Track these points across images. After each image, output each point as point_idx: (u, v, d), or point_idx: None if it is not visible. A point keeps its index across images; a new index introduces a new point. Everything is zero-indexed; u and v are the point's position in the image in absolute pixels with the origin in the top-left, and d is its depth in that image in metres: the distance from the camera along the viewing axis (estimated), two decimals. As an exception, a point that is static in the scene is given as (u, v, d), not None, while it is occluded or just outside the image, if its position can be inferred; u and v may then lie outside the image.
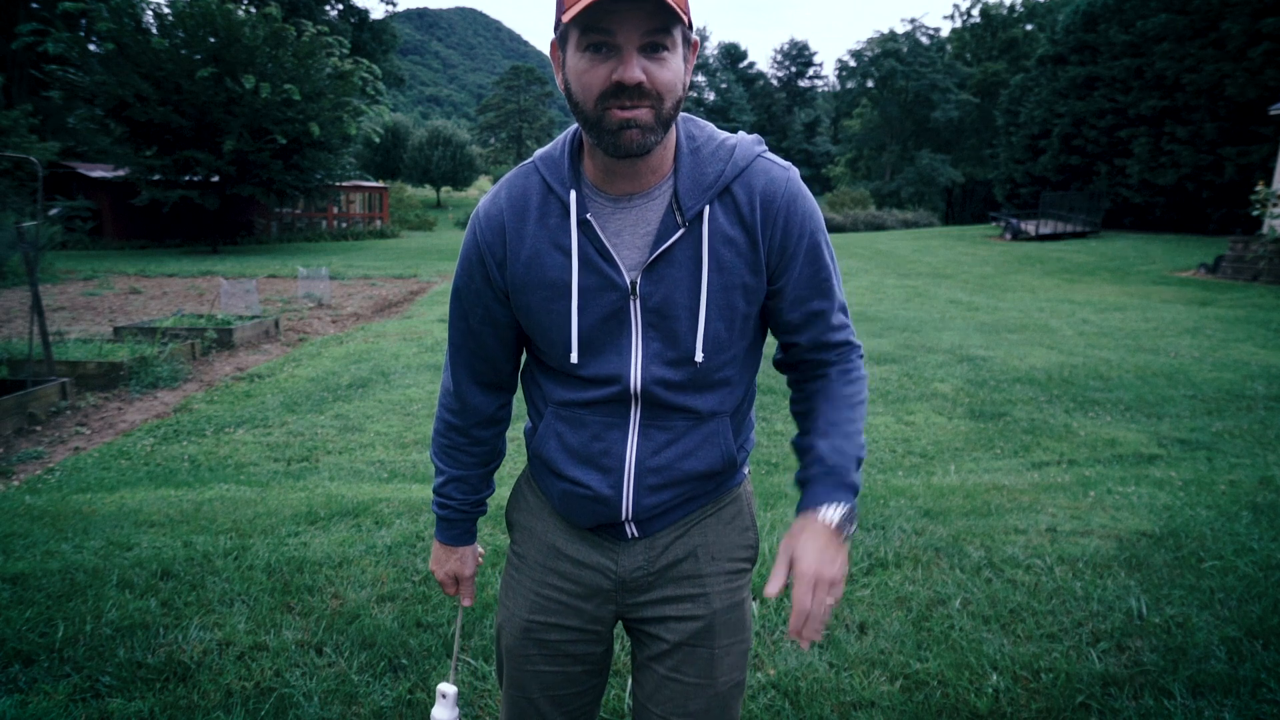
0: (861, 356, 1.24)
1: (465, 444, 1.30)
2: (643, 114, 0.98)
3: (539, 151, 1.15)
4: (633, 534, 1.21)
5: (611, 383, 1.12)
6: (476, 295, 1.18)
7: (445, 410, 1.30)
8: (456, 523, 1.33)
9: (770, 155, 1.13)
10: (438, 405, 1.32)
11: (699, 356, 1.11)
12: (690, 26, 1.02)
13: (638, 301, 1.10)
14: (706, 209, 1.08)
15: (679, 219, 1.07)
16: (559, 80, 1.05)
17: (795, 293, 1.14)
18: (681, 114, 1.12)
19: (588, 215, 1.08)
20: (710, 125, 1.15)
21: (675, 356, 1.11)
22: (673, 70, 0.99)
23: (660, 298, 1.09)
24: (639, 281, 1.09)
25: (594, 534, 1.23)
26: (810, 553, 1.04)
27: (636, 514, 1.18)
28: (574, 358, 1.11)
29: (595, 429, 1.16)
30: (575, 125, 1.13)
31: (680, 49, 1.01)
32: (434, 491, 1.33)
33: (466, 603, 1.41)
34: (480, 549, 1.41)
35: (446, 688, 1.36)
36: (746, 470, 1.33)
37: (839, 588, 1.03)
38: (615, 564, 1.22)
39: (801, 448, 1.17)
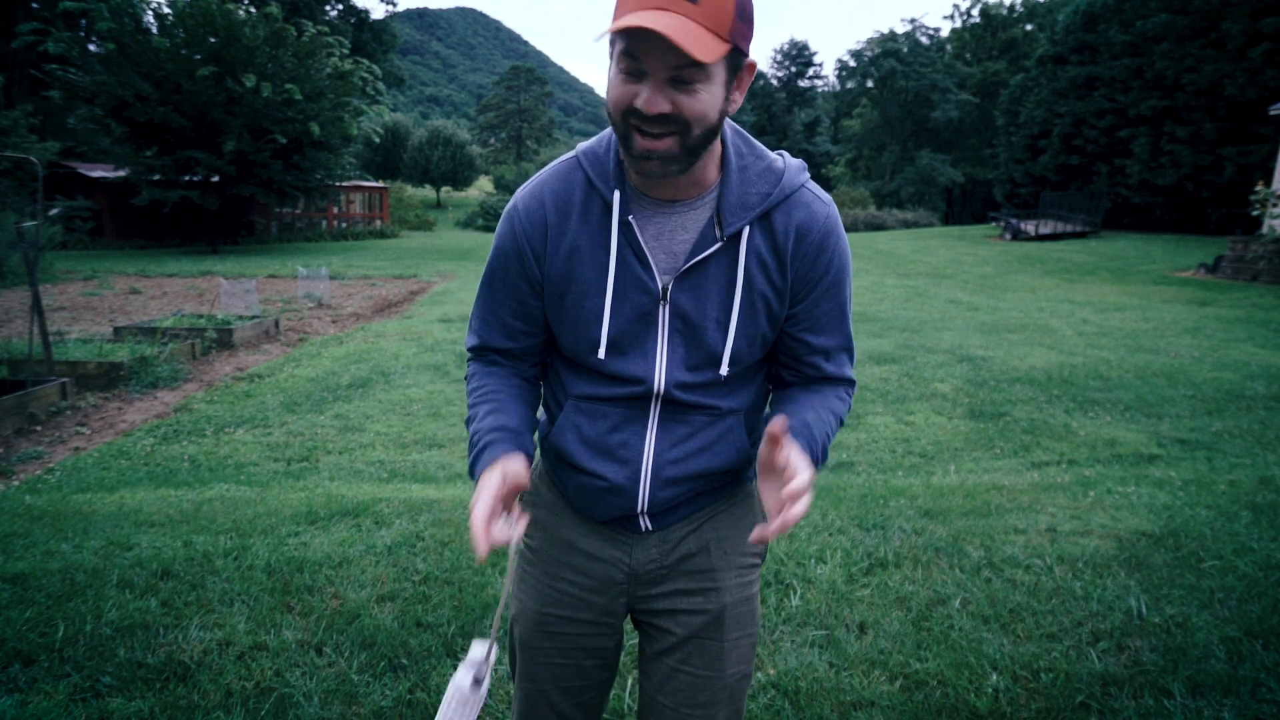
0: (852, 393, 1.25)
1: (499, 372, 1.23)
2: (666, 144, 0.98)
3: (582, 146, 1.15)
4: (646, 527, 1.22)
5: (635, 383, 1.14)
6: (512, 289, 1.18)
7: (471, 365, 1.27)
8: (502, 442, 1.11)
9: (813, 186, 1.14)
10: (469, 393, 1.23)
11: (724, 370, 1.13)
12: (740, 52, 0.99)
13: (667, 307, 1.11)
14: (746, 229, 1.09)
15: (718, 233, 1.09)
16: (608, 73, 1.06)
17: (806, 324, 1.16)
18: (733, 128, 1.13)
19: (630, 217, 1.09)
20: (759, 145, 1.15)
21: (697, 363, 1.13)
22: (703, 101, 0.97)
23: (690, 306, 1.11)
24: (670, 288, 1.10)
25: (608, 527, 1.24)
26: (805, 464, 0.97)
27: (652, 507, 1.19)
28: (601, 354, 1.13)
29: (614, 420, 1.17)
30: None
31: (720, 77, 0.98)
32: (472, 436, 1.15)
33: (521, 529, 1.02)
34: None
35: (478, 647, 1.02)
36: None
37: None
38: (628, 557, 1.24)
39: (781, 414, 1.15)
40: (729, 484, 1.26)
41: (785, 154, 1.16)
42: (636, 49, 0.94)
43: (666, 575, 1.24)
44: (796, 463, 0.96)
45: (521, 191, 1.18)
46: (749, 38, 0.99)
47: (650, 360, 1.13)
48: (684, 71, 0.95)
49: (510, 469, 1.05)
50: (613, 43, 1.01)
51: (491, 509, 1.00)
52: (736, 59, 1.00)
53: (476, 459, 1.10)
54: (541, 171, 1.18)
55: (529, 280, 1.16)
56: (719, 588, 1.24)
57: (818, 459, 1.08)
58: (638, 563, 1.24)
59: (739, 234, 1.09)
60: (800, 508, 0.93)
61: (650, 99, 0.95)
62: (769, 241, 1.10)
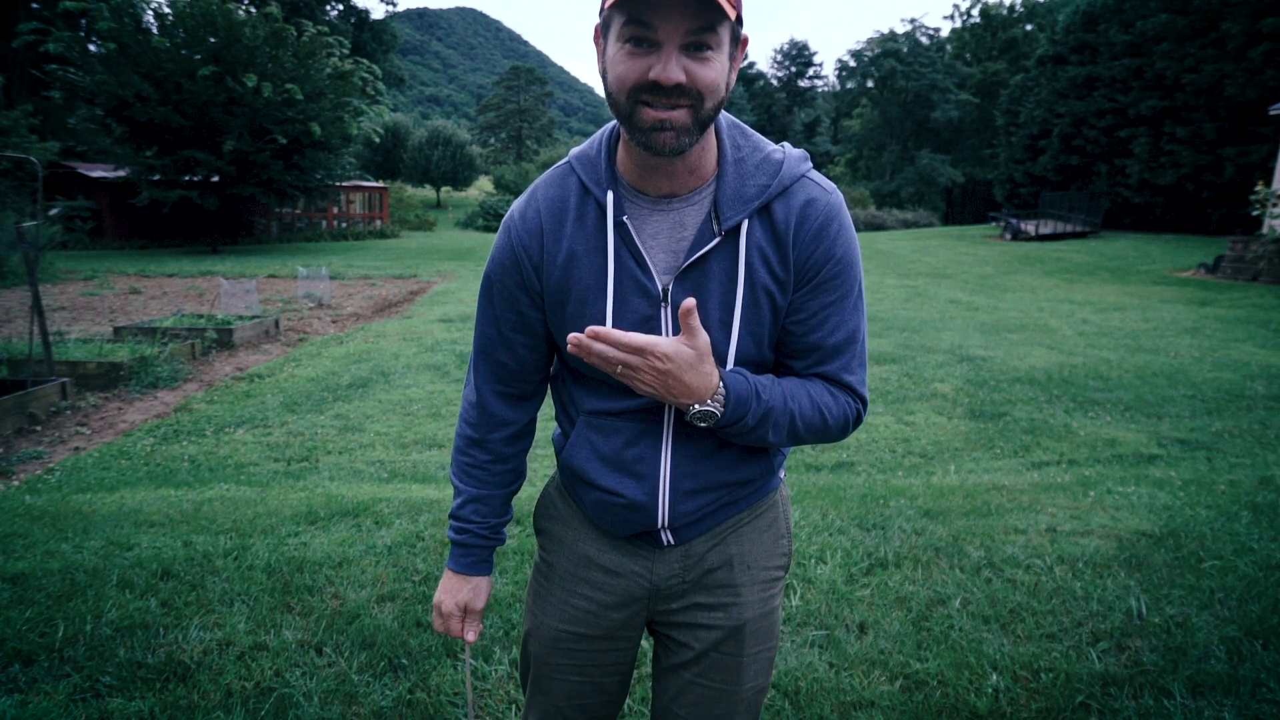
0: (864, 409, 1.14)
1: (487, 460, 1.25)
2: (679, 115, 0.95)
3: (574, 151, 1.13)
4: (669, 541, 1.19)
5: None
6: (510, 301, 1.15)
7: (466, 424, 1.25)
8: (474, 549, 1.27)
9: (815, 175, 1.10)
10: (458, 420, 1.28)
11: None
12: (739, 22, 0.98)
13: (668, 309, 1.07)
14: (745, 222, 1.05)
15: (716, 228, 1.05)
16: (599, 67, 1.02)
17: (804, 315, 1.09)
18: (729, 120, 1.10)
19: (624, 217, 1.06)
20: (757, 135, 1.12)
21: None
22: (716, 70, 0.95)
23: None
24: (670, 288, 1.07)
25: (629, 542, 1.21)
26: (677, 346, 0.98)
27: (673, 521, 1.15)
28: None
29: (628, 435, 1.13)
30: (612, 123, 1.11)
31: (726, 47, 0.97)
32: (451, 516, 1.28)
33: (471, 638, 1.30)
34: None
35: None
36: (782, 475, 1.31)
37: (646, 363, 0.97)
38: (650, 572, 1.21)
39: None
40: (752, 494, 1.22)
41: (786, 145, 1.12)
42: (650, 15, 0.91)
43: (688, 589, 1.21)
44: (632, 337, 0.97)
45: (517, 202, 1.16)
46: (742, 7, 0.99)
47: None
48: (700, 36, 0.93)
49: (474, 603, 1.28)
50: (608, 24, 0.98)
51: (459, 624, 1.29)
52: (736, 30, 0.99)
53: (460, 552, 1.28)
54: (536, 180, 1.16)
55: (528, 291, 1.13)
56: (740, 602, 1.21)
57: (739, 397, 1.03)
58: (659, 577, 1.21)
59: (738, 228, 1.05)
60: (597, 346, 0.96)
61: (666, 67, 0.92)
62: (769, 233, 1.06)
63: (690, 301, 0.96)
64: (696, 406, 1.01)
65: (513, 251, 1.13)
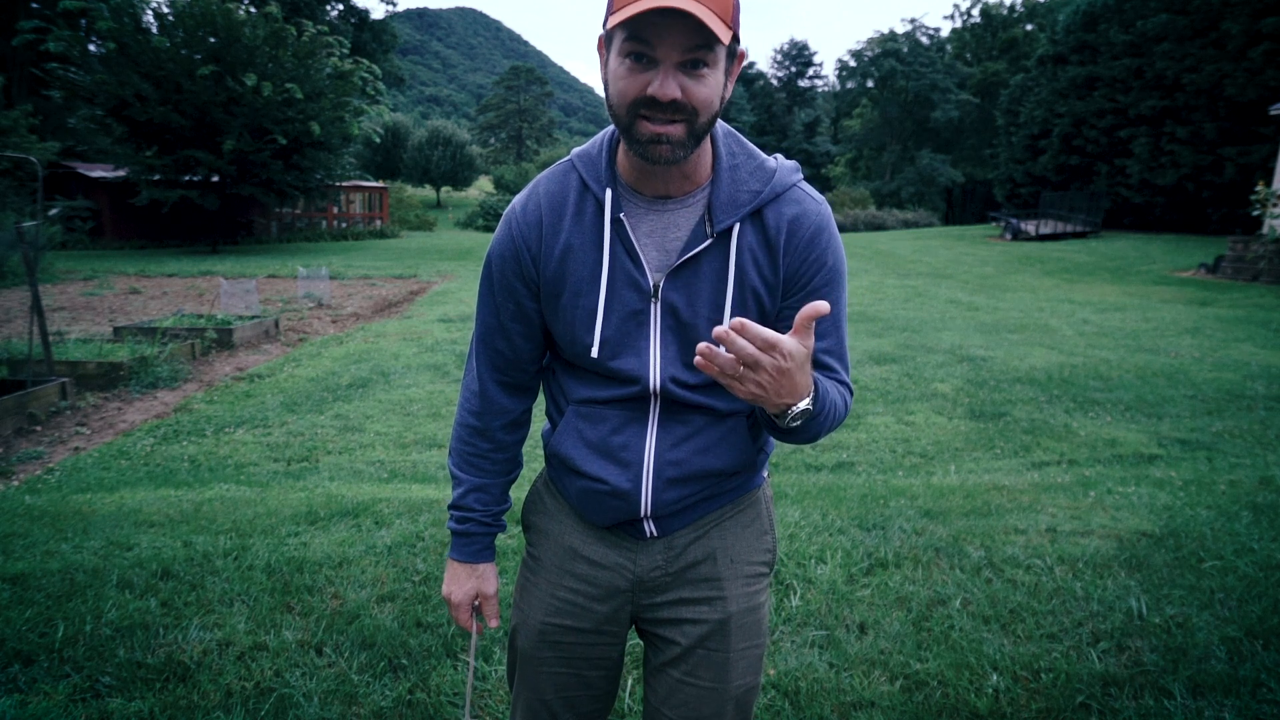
0: (851, 395, 1.17)
1: (489, 449, 1.28)
2: (675, 130, 1.00)
3: (576, 150, 1.18)
4: (651, 532, 1.21)
5: (631, 382, 1.14)
6: (509, 291, 1.19)
7: (468, 414, 1.28)
8: (477, 537, 1.30)
9: (805, 185, 1.15)
10: (458, 411, 1.31)
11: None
12: (736, 40, 1.02)
13: (658, 304, 1.11)
14: (737, 226, 1.09)
15: (708, 230, 1.10)
16: (602, 75, 1.06)
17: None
18: (725, 128, 1.14)
19: (621, 214, 1.10)
20: (751, 145, 1.16)
21: (691, 361, 1.11)
22: (710, 87, 1.00)
23: (681, 303, 1.11)
24: (662, 285, 1.11)
25: (612, 534, 1.24)
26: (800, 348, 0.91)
27: (655, 510, 1.18)
28: (594, 352, 1.13)
29: (615, 423, 1.17)
30: (614, 126, 1.15)
31: (722, 63, 1.01)
32: (452, 506, 1.30)
33: (494, 623, 1.34)
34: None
35: None
36: (766, 473, 1.33)
37: (770, 365, 0.88)
38: (633, 563, 1.23)
39: None
40: (735, 489, 1.25)
41: (780, 156, 1.17)
42: (650, 34, 0.95)
43: (671, 583, 1.23)
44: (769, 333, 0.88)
45: (518, 196, 1.21)
46: (739, 25, 1.03)
47: (644, 358, 1.13)
48: (697, 54, 0.97)
49: (484, 588, 1.31)
50: (610, 37, 1.01)
51: (468, 614, 1.32)
52: (733, 46, 1.03)
53: (463, 542, 1.30)
54: (538, 176, 1.20)
55: (525, 281, 1.17)
56: (724, 597, 1.22)
57: (823, 389, 1.02)
58: (643, 569, 1.23)
59: (730, 231, 1.10)
60: (740, 342, 0.86)
61: (664, 84, 0.97)
62: (760, 237, 1.11)
63: (823, 305, 0.89)
64: (800, 405, 0.96)
65: (512, 242, 1.17)
